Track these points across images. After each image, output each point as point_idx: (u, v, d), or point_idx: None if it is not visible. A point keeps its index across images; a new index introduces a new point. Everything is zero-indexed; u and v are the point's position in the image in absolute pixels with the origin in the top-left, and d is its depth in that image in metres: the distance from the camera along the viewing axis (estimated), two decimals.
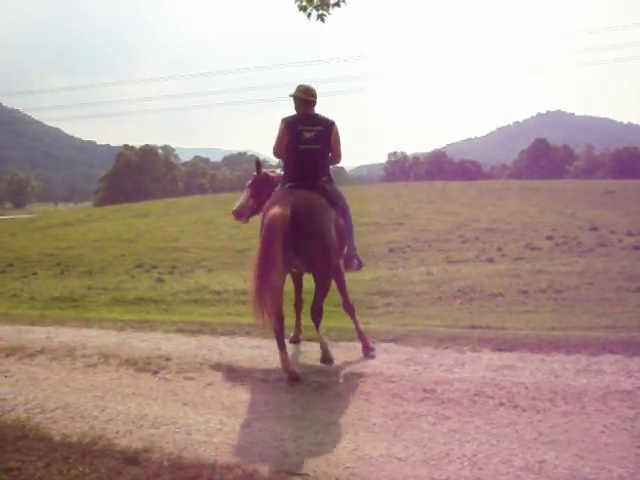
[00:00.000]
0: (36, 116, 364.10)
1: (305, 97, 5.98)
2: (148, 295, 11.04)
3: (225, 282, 11.97)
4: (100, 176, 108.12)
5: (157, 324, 7.44)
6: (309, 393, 4.74)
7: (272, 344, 5.91)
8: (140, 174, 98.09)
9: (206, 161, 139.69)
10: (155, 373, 5.45)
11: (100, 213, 36.12)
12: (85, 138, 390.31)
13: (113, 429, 4.25)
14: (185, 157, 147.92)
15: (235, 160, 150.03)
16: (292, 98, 6.07)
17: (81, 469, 3.68)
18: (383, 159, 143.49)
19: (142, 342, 6.58)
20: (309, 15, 7.18)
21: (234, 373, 5.32)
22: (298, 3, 7.18)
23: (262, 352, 5.93)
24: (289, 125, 5.89)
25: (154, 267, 16.18)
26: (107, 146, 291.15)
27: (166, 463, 3.68)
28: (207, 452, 3.80)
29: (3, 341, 6.98)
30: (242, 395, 4.78)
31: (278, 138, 5.96)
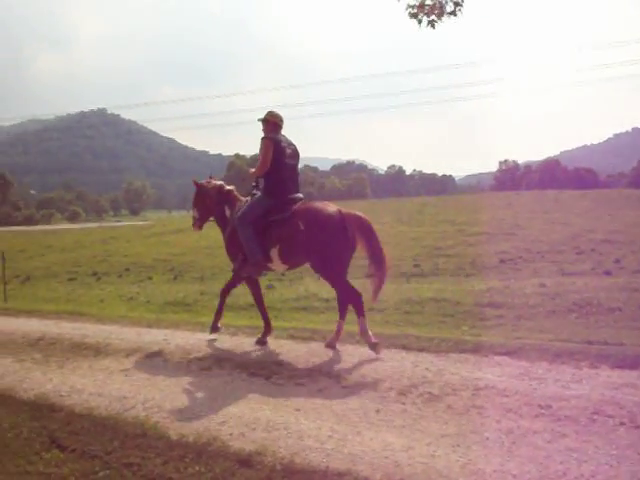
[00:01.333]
0: (152, 127, 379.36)
1: (277, 121, 6.98)
2: None
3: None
4: None
5: None
6: (420, 404, 4.68)
7: (383, 353, 5.93)
8: (250, 183, 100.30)
9: (315, 170, 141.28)
10: (267, 378, 5.53)
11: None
12: (198, 148, 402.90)
13: (227, 431, 4.35)
14: None
15: (343, 169, 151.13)
16: (262, 122, 7.02)
17: (197, 468, 3.78)
18: (493, 168, 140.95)
19: (254, 347, 6.70)
20: (420, 22, 7.14)
21: (344, 381, 5.32)
22: (409, 10, 7.14)
23: (372, 361, 5.91)
24: (275, 142, 6.70)
25: (263, 274, 16.43)
26: (219, 155, 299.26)
27: (279, 467, 3.72)
28: (318, 458, 3.82)
29: (123, 342, 7.30)
30: (353, 403, 4.78)
31: (265, 154, 6.67)
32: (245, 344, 6.86)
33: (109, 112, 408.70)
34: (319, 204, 6.74)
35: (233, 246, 7.13)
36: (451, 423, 4.28)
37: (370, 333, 6.28)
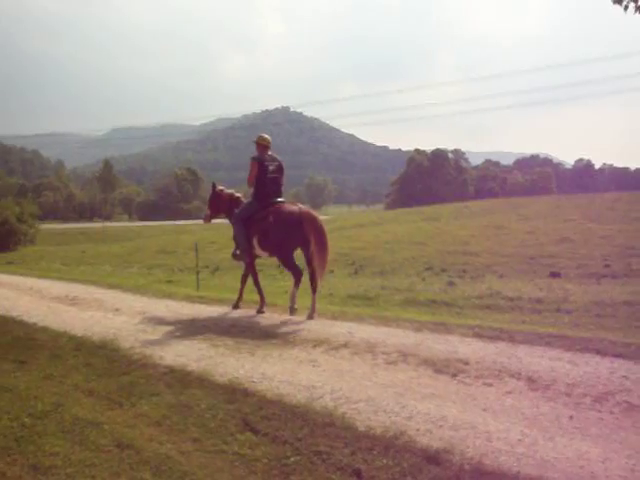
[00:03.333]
0: (333, 124, 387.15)
1: (265, 144, 9.38)
2: (440, 298, 11.11)
3: (518, 289, 11.65)
4: (391, 180, 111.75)
5: (453, 327, 7.43)
6: (618, 413, 4.41)
7: (574, 357, 5.67)
8: (430, 178, 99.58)
9: (497, 164, 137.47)
10: (454, 376, 5.45)
11: (391, 216, 37.29)
12: (378, 143, 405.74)
13: (414, 427, 4.33)
14: (475, 161, 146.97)
15: (527, 163, 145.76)
16: (255, 144, 9.43)
17: (385, 461, 3.81)
18: None
19: (439, 344, 6.61)
20: (626, 8, 6.65)
21: (534, 384, 5.13)
22: None
23: (564, 365, 5.63)
24: (259, 162, 9.18)
25: (444, 270, 16.23)
26: (399, 151, 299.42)
27: (467, 467, 3.66)
28: (509, 462, 3.71)
29: (310, 333, 7.49)
30: (543, 407, 4.59)
31: (251, 171, 9.21)
32: (430, 340, 6.80)
33: (292, 110, 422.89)
34: (286, 205, 9.11)
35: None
36: None
37: (295, 300, 9.03)
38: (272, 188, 9.23)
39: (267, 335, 7.54)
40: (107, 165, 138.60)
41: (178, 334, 7.91)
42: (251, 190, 9.37)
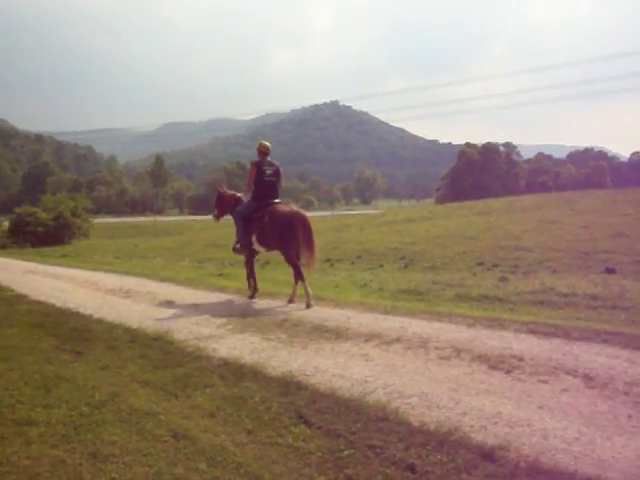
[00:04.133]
0: (382, 117, 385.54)
1: (264, 150, 10.69)
2: (492, 293, 10.96)
3: (572, 285, 11.44)
4: (442, 174, 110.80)
5: (507, 323, 7.35)
6: None
7: (632, 355, 5.56)
8: (481, 172, 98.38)
9: (549, 158, 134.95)
10: (508, 372, 5.39)
11: (442, 210, 36.95)
12: (428, 137, 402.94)
13: (468, 423, 4.31)
14: (527, 154, 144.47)
15: (580, 157, 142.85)
16: (257, 150, 10.71)
17: (439, 457, 3.79)
18: None
19: (493, 340, 6.55)
20: None
21: (591, 381, 5.04)
22: None
23: (621, 362, 5.52)
24: (258, 166, 10.46)
25: (495, 265, 16.00)
26: (449, 144, 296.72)
27: (522, 464, 3.63)
28: (565, 460, 3.66)
29: (362, 327, 7.49)
30: (601, 405, 4.51)
31: (250, 174, 10.55)
32: (483, 336, 6.74)
33: (341, 104, 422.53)
34: (280, 205, 10.27)
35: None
36: None
37: (296, 294, 10.02)
38: (269, 190, 10.46)
39: (319, 329, 7.56)
40: (158, 160, 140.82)
41: (230, 327, 8.00)
42: (250, 191, 10.58)
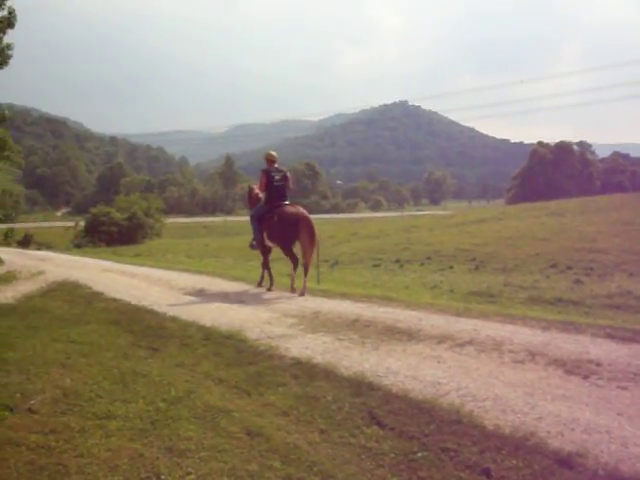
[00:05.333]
0: (452, 117, 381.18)
1: (272, 159, 12.18)
2: (566, 296, 10.76)
3: None
4: (513, 174, 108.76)
5: (583, 327, 7.16)
6: None
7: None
8: (554, 172, 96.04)
9: (626, 157, 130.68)
10: (585, 377, 5.26)
11: (513, 211, 36.30)
12: (499, 136, 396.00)
13: (544, 428, 4.22)
14: (602, 153, 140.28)
15: None
16: (265, 159, 12.27)
17: (514, 462, 3.74)
18: None
19: (569, 344, 6.40)
20: None
21: None
22: None
23: None
24: (267, 173, 11.86)
25: (569, 268, 15.64)
26: (520, 144, 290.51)
27: (601, 472, 3.55)
28: None
29: (434, 329, 7.43)
30: None
31: (260, 180, 11.98)
32: (558, 340, 6.60)
33: (410, 104, 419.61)
34: (288, 207, 11.67)
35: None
36: None
37: (295, 281, 11.64)
38: (278, 193, 11.88)
39: (390, 330, 7.52)
40: (228, 161, 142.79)
41: (302, 327, 8.05)
42: (262, 195, 12.24)
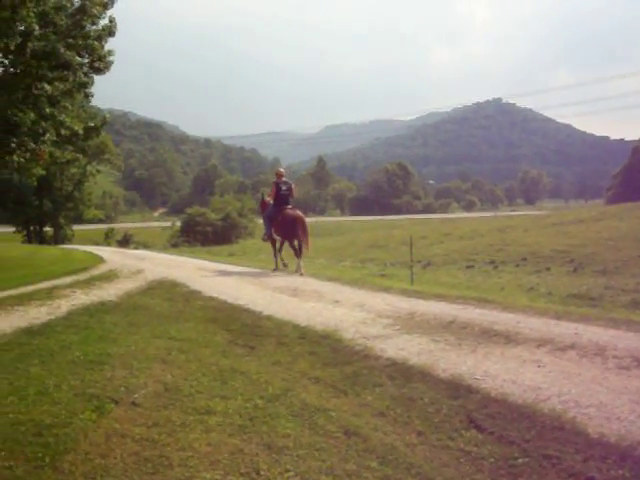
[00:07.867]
0: (547, 114, 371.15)
1: (280, 174, 16.82)
2: None
3: None
4: (613, 172, 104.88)
5: None
6: None
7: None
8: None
9: None
10: None
11: (613, 211, 35.00)
12: (598, 133, 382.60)
13: None
14: None
15: None
16: (275, 174, 17.35)
17: (621, 472, 3.61)
18: None
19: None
20: None
21: None
22: None
23: None
24: (277, 185, 16.36)
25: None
26: (621, 141, 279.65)
27: None
28: None
29: (533, 332, 7.24)
30: None
31: (272, 190, 16.53)
32: None
33: (504, 101, 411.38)
34: (289, 210, 16.04)
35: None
36: None
37: (287, 265, 16.93)
38: (284, 200, 16.39)
39: (487, 332, 7.39)
40: (320, 162, 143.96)
41: (397, 327, 8.02)
42: (271, 201, 16.73)
